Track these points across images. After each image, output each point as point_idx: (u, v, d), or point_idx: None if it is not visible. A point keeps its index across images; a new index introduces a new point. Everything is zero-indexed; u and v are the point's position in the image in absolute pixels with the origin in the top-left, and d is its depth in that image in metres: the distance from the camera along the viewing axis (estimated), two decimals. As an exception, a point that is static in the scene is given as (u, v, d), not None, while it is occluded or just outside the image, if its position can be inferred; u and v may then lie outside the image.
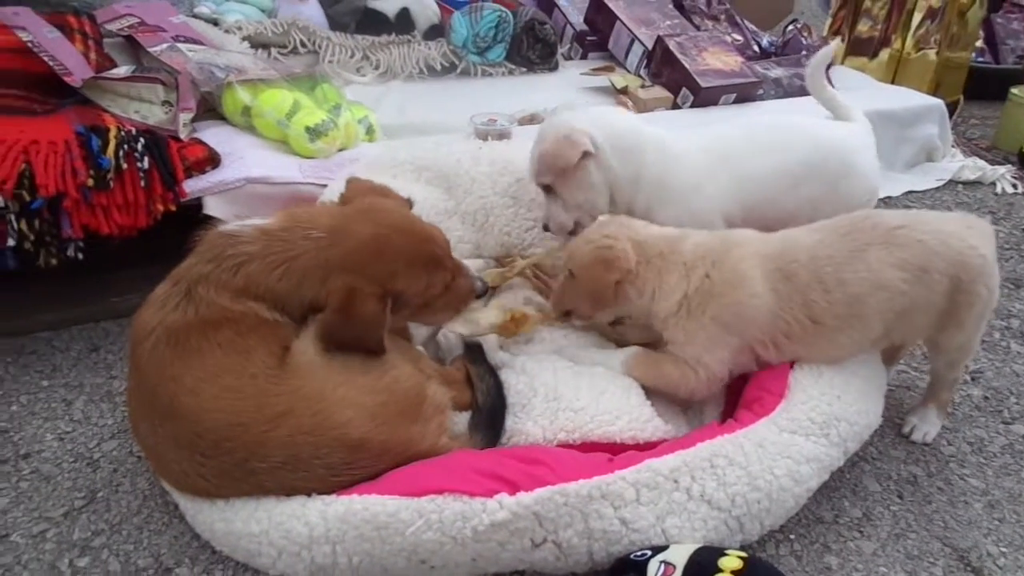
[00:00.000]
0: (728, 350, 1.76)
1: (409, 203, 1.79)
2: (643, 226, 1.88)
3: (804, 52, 3.68)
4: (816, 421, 1.65)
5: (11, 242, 1.99)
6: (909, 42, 3.98)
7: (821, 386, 1.71)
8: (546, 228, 2.13)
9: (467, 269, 1.79)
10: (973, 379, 2.17)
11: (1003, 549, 1.65)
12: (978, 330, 1.82)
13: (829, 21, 4.39)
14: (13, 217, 1.98)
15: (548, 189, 2.07)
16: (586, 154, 1.97)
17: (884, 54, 4.08)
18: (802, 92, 3.36)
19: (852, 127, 2.27)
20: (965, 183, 3.46)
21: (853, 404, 1.70)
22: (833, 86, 3.25)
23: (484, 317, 1.94)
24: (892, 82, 3.95)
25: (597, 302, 1.84)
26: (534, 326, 2.00)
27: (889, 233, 1.74)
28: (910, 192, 3.33)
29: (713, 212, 2.06)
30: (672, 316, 1.77)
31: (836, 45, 2.44)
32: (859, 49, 4.17)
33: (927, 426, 1.93)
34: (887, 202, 3.21)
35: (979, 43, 4.32)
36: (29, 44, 2.35)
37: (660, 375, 1.80)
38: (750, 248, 1.79)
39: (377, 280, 1.57)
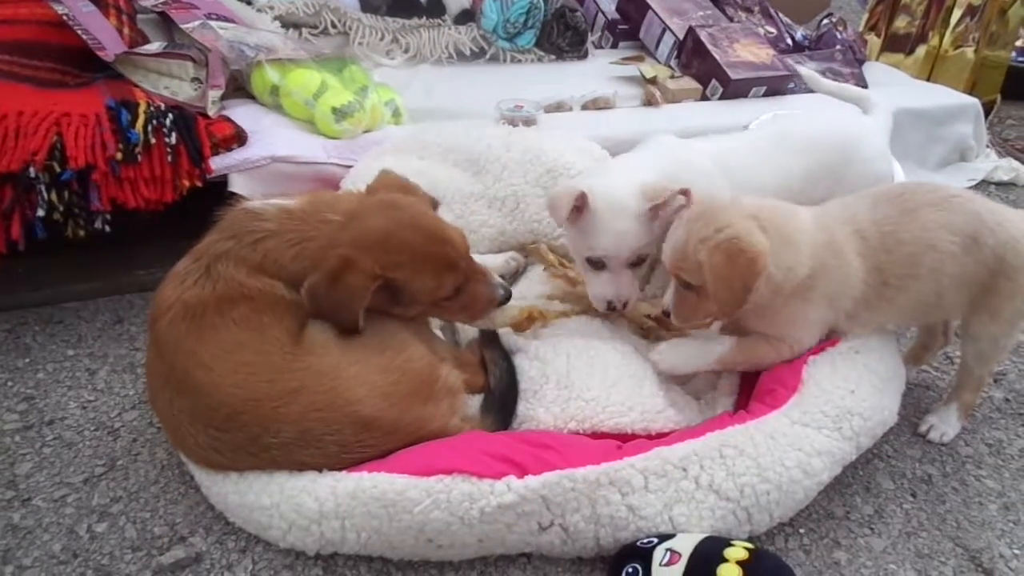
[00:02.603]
0: (825, 325, 1.76)
1: (434, 203, 1.78)
2: (745, 199, 1.71)
3: (838, 47, 3.63)
4: (829, 414, 1.63)
5: (40, 212, 2.01)
6: (947, 39, 3.91)
7: (835, 380, 1.70)
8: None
9: (489, 276, 1.75)
10: (996, 381, 2.14)
11: (1016, 551, 1.64)
12: (1014, 327, 1.80)
13: (865, 16, 4.32)
14: (43, 188, 2.01)
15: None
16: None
17: (921, 51, 4.00)
18: (833, 87, 3.33)
19: (855, 117, 2.29)
20: (998, 184, 3.41)
21: (867, 399, 1.68)
22: (866, 85, 3.24)
23: (499, 314, 1.90)
24: (928, 79, 3.88)
25: (739, 302, 1.62)
26: (549, 322, 1.98)
27: (945, 199, 1.74)
28: (944, 190, 3.28)
29: None
30: (791, 295, 1.68)
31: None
32: (895, 45, 4.09)
33: (945, 426, 1.91)
34: (916, 200, 3.17)
35: (1019, 42, 4.22)
36: (64, 17, 2.38)
37: (756, 358, 1.80)
38: (829, 216, 1.75)
39: (377, 263, 1.57)
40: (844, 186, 2.09)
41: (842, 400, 1.66)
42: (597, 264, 1.88)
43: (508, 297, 1.77)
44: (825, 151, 2.14)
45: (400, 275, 1.60)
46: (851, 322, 1.77)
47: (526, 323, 1.93)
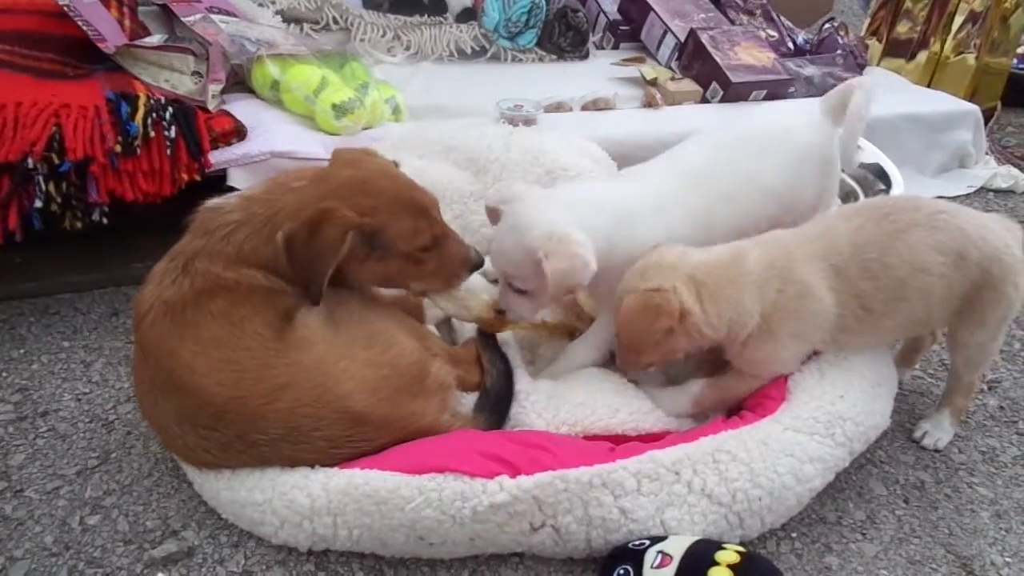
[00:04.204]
0: (802, 356, 1.77)
1: (395, 163, 1.78)
2: (693, 253, 1.70)
3: (839, 51, 3.63)
4: (820, 420, 1.64)
5: (38, 204, 2.01)
6: (948, 45, 3.91)
7: (823, 386, 1.71)
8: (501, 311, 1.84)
9: (461, 238, 1.76)
10: (990, 388, 2.14)
11: (1007, 559, 1.64)
12: (1000, 331, 1.80)
13: (868, 21, 4.32)
14: (41, 179, 2.01)
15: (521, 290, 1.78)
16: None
17: (922, 56, 4.00)
18: (834, 91, 3.33)
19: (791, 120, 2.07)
20: (997, 191, 3.41)
21: (857, 404, 1.69)
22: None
23: (475, 304, 1.86)
24: (929, 85, 3.89)
25: (655, 351, 1.68)
26: (519, 329, 1.95)
27: (931, 216, 1.74)
28: (939, 198, 3.26)
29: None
30: (753, 339, 1.69)
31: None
32: (897, 50, 4.10)
33: (940, 432, 1.91)
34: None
35: (1020, 49, 4.22)
36: (65, 8, 2.37)
37: (733, 396, 1.80)
38: (801, 251, 1.72)
39: (356, 209, 1.56)
40: (796, 192, 1.97)
41: (832, 405, 1.66)
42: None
43: (482, 261, 1.78)
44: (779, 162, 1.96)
45: (377, 220, 1.59)
46: (834, 346, 1.77)
47: (496, 322, 1.87)
